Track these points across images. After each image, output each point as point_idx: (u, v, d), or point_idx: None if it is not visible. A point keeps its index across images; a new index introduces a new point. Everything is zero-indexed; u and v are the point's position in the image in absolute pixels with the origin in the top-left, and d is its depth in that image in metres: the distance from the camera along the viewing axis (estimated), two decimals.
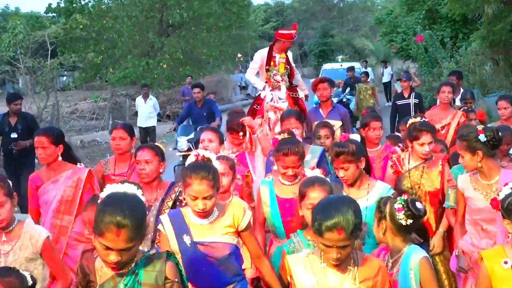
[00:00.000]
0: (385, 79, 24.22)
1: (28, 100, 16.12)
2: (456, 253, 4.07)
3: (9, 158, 8.69)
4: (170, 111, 22.29)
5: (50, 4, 22.05)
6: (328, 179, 3.66)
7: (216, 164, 3.44)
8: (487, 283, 3.09)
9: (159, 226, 3.54)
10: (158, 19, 23.85)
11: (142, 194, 2.72)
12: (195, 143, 8.62)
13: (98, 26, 22.13)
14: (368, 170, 4.25)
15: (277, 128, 6.79)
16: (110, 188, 2.62)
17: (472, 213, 3.97)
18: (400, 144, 6.02)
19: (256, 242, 3.50)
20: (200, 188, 3.17)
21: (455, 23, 20.68)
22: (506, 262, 3.02)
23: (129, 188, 2.66)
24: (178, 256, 3.31)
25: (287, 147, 4.06)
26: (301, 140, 4.76)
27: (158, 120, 22.32)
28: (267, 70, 7.52)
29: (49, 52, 16.23)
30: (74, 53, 21.08)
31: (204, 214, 3.26)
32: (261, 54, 7.74)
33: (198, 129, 9.46)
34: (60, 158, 4.48)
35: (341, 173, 4.00)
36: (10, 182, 3.71)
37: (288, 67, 7.64)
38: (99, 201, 2.56)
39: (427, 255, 3.21)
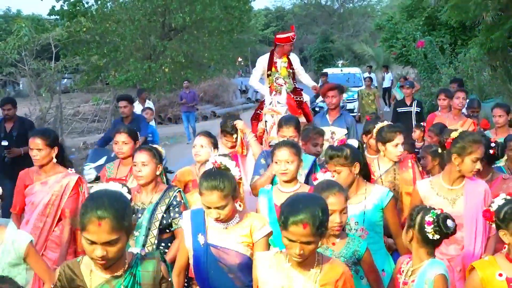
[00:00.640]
0: (386, 84, 24.20)
1: (33, 102, 16.35)
2: None
3: (2, 165, 7.89)
4: (171, 114, 22.49)
5: (53, 7, 22.20)
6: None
7: (235, 171, 3.39)
8: None
9: (181, 221, 3.61)
10: (160, 23, 23.88)
11: (129, 192, 2.79)
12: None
13: (101, 29, 22.15)
14: (367, 175, 4.19)
15: (273, 132, 6.96)
16: (95, 188, 2.70)
17: None
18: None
19: None
20: (212, 199, 3.16)
21: (454, 30, 20.78)
22: (500, 275, 2.98)
23: (112, 186, 2.74)
24: (190, 254, 3.43)
25: (280, 142, 4.20)
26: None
27: (160, 123, 22.72)
28: (269, 75, 7.53)
29: (54, 55, 16.34)
30: (77, 55, 21.29)
31: (219, 221, 3.27)
32: (262, 60, 7.76)
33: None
34: (54, 160, 4.51)
35: (335, 177, 3.84)
36: None
37: (291, 70, 7.61)
38: None
39: (445, 273, 3.14)
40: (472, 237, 3.79)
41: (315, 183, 3.53)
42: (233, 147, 5.59)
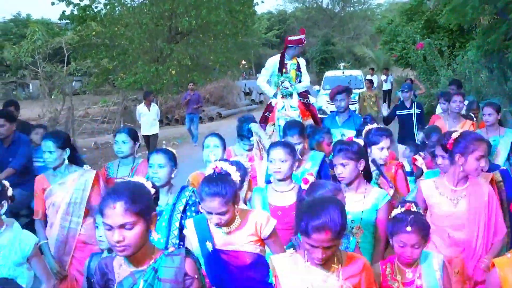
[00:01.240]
0: (386, 86, 24.20)
1: (45, 104, 16.90)
2: None
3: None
4: (178, 115, 22.93)
5: (64, 12, 22.60)
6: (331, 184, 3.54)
7: (236, 176, 3.38)
8: None
9: (184, 231, 3.58)
10: (167, 27, 23.92)
11: (153, 187, 2.94)
12: None
13: (110, 33, 22.39)
14: (367, 176, 4.18)
15: None
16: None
17: (438, 220, 3.83)
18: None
19: (281, 250, 3.33)
20: (212, 204, 3.15)
21: (452, 33, 20.89)
22: None
23: (136, 179, 2.93)
24: (202, 261, 3.33)
25: (276, 142, 4.30)
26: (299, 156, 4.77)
27: (167, 124, 23.20)
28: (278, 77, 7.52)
29: (66, 58, 16.85)
30: (86, 58, 21.74)
31: (221, 226, 3.25)
32: (274, 61, 7.83)
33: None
34: (66, 162, 4.54)
35: (339, 170, 3.93)
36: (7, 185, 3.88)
37: (300, 73, 7.73)
38: None
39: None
40: (474, 239, 3.73)
41: (304, 186, 3.50)
42: (250, 150, 5.63)
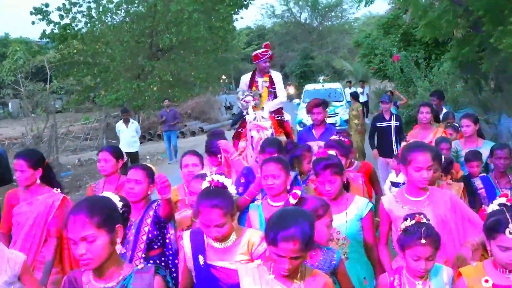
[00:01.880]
0: (363, 98, 23.79)
1: (29, 122, 16.94)
2: None
3: None
4: (161, 130, 23.07)
5: (44, 31, 22.65)
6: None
7: (232, 189, 3.38)
8: None
9: (181, 242, 3.56)
10: (148, 44, 23.96)
11: (121, 201, 2.88)
12: None
13: (91, 51, 22.46)
14: (347, 186, 4.22)
15: None
16: None
17: None
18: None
19: None
20: (212, 217, 3.11)
21: (428, 45, 21.07)
22: (486, 281, 2.93)
23: (104, 194, 2.92)
24: (193, 274, 3.41)
25: (268, 158, 4.23)
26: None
27: (150, 139, 23.32)
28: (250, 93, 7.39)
29: (48, 76, 16.89)
30: (68, 76, 21.78)
31: (219, 240, 3.22)
32: (244, 79, 7.73)
33: None
34: (38, 182, 4.45)
35: (327, 187, 3.89)
36: None
37: (272, 90, 7.51)
38: None
39: None
40: (449, 246, 3.67)
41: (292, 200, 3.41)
42: (218, 165, 5.57)
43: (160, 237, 4.13)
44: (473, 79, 15.21)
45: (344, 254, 3.75)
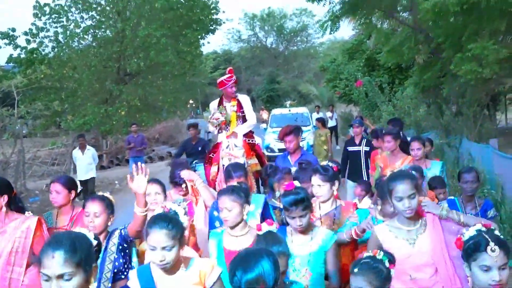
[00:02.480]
0: (332, 123, 24.03)
1: None
2: None
3: None
4: (128, 155, 23.02)
5: (11, 55, 22.49)
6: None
7: (184, 218, 3.41)
8: None
9: (128, 283, 3.42)
10: (116, 68, 23.90)
11: (95, 238, 2.86)
12: None
13: (58, 75, 22.37)
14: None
15: None
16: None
17: (397, 263, 3.39)
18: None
19: None
20: (157, 237, 3.08)
21: (392, 70, 21.66)
22: None
23: (78, 229, 2.88)
24: None
25: (222, 189, 4.10)
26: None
27: (117, 164, 23.20)
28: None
29: (16, 101, 16.80)
30: (35, 101, 21.62)
31: (164, 266, 3.13)
32: (213, 105, 7.75)
33: None
34: (4, 209, 4.27)
35: (298, 222, 3.82)
36: None
37: (240, 114, 7.50)
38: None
39: None
40: (445, 273, 3.56)
41: (258, 233, 3.42)
42: (185, 195, 5.51)
43: (126, 266, 4.05)
44: (435, 103, 15.61)
45: (305, 287, 3.69)
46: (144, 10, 23.42)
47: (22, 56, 22.52)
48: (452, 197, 5.56)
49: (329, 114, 24.73)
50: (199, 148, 11.77)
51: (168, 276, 3.19)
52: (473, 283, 2.96)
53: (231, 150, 7.19)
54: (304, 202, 3.81)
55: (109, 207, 4.16)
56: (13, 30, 21.96)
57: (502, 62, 10.99)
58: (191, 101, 39.55)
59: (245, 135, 7.48)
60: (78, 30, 23.28)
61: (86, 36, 23.89)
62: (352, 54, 26.97)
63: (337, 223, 4.46)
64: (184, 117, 33.79)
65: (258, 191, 7.23)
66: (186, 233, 3.96)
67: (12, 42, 22.09)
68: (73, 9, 23.91)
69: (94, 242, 2.79)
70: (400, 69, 20.85)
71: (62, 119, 24.68)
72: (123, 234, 4.05)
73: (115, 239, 4.05)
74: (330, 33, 15.94)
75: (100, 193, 4.38)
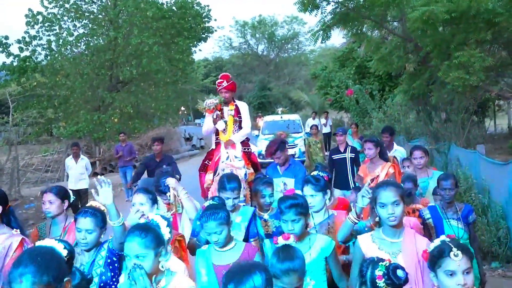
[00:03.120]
0: (326, 130, 24.39)
1: None
2: None
3: None
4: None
5: (4, 63, 22.57)
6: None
7: (165, 230, 3.39)
8: None
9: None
10: (108, 76, 24.01)
11: (66, 248, 2.85)
12: None
13: (51, 83, 22.51)
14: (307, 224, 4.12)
15: None
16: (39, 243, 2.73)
17: None
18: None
19: None
20: (130, 246, 3.07)
21: (382, 78, 21.89)
22: None
23: (47, 242, 2.80)
24: None
25: (207, 213, 4.00)
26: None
27: (110, 171, 23.28)
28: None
29: (11, 109, 16.93)
30: (27, 109, 21.71)
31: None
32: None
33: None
34: None
35: (289, 226, 3.84)
36: None
37: (238, 119, 7.53)
38: None
39: None
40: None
41: (272, 245, 3.41)
42: (168, 204, 5.50)
43: (113, 280, 3.93)
44: (424, 110, 15.84)
45: None
46: (136, 18, 23.57)
47: (15, 64, 22.62)
48: (433, 204, 5.59)
49: (323, 121, 24.89)
50: (164, 167, 9.81)
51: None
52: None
53: (232, 161, 7.16)
54: (298, 206, 3.85)
55: (102, 221, 4.01)
56: (6, 38, 22.07)
57: (488, 70, 11.25)
58: (182, 108, 39.61)
59: (241, 144, 7.48)
60: (71, 38, 23.41)
61: (78, 44, 24.06)
62: (343, 61, 27.24)
63: (332, 232, 4.43)
64: (176, 124, 33.87)
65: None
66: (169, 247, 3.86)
67: (5, 50, 22.21)
68: (65, 18, 24.11)
69: (64, 253, 2.76)
70: (390, 76, 21.03)
71: (55, 127, 24.75)
72: (110, 248, 3.94)
73: (103, 253, 3.95)
74: (322, 43, 16.06)
75: (92, 203, 4.20)
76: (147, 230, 3.12)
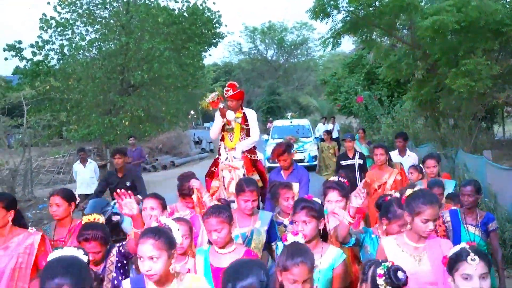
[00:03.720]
0: (334, 135, 23.39)
1: (5, 156, 17.16)
2: None
3: None
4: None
5: (17, 66, 22.88)
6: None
7: (177, 234, 3.35)
8: None
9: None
10: (119, 80, 24.12)
11: (85, 254, 2.89)
12: None
13: (64, 87, 22.73)
14: (325, 235, 4.16)
15: (232, 187, 6.65)
16: (51, 256, 2.76)
17: None
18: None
19: None
20: (144, 247, 3.09)
21: (390, 84, 21.93)
22: None
23: (67, 251, 2.83)
24: None
25: (209, 210, 4.02)
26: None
27: None
28: (224, 130, 7.42)
29: (25, 112, 17.18)
30: (39, 112, 21.96)
31: (152, 277, 3.11)
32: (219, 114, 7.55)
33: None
34: (10, 223, 4.28)
35: (300, 227, 3.84)
36: None
37: (245, 127, 7.41)
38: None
39: None
40: None
41: (283, 243, 3.39)
42: (193, 207, 5.51)
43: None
44: (432, 116, 16.03)
45: None
46: (147, 24, 23.76)
47: (28, 67, 22.95)
48: (455, 207, 5.56)
49: (330, 126, 24.97)
50: (127, 183, 8.75)
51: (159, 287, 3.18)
52: None
53: (231, 161, 7.14)
54: (311, 209, 3.87)
55: (107, 238, 4.05)
56: (20, 42, 22.43)
57: (495, 78, 11.43)
58: (192, 112, 39.86)
59: (247, 151, 7.38)
60: (83, 43, 23.60)
61: (91, 49, 24.19)
62: (352, 68, 27.40)
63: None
64: (185, 128, 34.11)
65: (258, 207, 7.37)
66: (182, 245, 3.94)
67: (19, 54, 22.57)
68: (78, 23, 24.29)
69: (85, 259, 2.86)
70: (399, 83, 20.96)
71: (66, 129, 25.02)
72: (122, 251, 4.02)
73: (112, 258, 4.00)
74: (332, 50, 16.14)
75: (95, 217, 4.23)
76: (160, 232, 3.14)
